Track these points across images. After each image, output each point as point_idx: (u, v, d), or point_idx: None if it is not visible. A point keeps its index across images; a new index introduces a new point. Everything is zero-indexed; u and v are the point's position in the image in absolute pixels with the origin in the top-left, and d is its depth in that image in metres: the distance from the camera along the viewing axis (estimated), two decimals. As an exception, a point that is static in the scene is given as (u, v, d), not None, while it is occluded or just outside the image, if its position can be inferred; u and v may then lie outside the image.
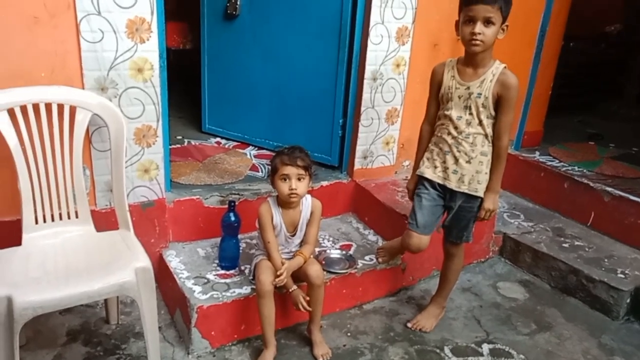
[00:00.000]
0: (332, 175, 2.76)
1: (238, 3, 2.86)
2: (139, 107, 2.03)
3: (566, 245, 2.68)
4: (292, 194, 1.87)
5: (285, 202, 1.94)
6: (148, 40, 1.97)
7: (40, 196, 1.76)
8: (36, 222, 1.77)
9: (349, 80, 2.63)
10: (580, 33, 4.49)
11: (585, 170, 3.07)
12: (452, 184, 1.94)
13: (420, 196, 2.01)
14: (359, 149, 2.70)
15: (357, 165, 2.73)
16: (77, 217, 1.84)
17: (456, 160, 1.91)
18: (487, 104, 1.83)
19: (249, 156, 2.95)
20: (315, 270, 1.92)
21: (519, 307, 2.39)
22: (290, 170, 1.86)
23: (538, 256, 2.63)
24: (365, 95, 2.60)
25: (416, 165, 2.08)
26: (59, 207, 1.81)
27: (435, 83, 1.96)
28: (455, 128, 1.89)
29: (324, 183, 2.65)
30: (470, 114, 1.86)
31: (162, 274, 2.19)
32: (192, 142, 3.11)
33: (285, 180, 1.87)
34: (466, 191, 1.93)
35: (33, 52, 1.79)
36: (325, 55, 2.66)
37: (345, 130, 2.72)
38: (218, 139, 3.19)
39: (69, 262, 1.68)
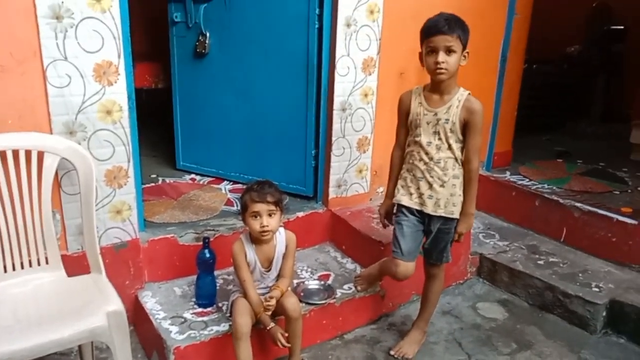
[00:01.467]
0: (308, 206, 2.77)
1: (207, 42, 2.92)
2: (108, 149, 2.04)
3: (541, 262, 2.72)
4: (263, 231, 1.87)
5: (258, 239, 1.94)
6: (116, 82, 1.99)
7: (9, 244, 1.73)
8: (5, 271, 1.74)
9: (319, 111, 2.68)
10: (542, 55, 4.67)
11: (555, 188, 3.15)
12: (429, 209, 1.96)
13: (401, 224, 2.02)
14: (333, 178, 2.74)
15: (332, 194, 2.76)
16: (47, 263, 1.82)
17: (430, 186, 1.95)
18: (454, 129, 1.89)
19: (224, 191, 2.96)
20: (292, 304, 1.91)
21: (499, 327, 2.40)
22: (260, 207, 1.86)
23: (515, 275, 2.66)
24: (336, 125, 2.65)
25: (388, 191, 2.12)
26: (29, 254, 1.78)
27: (403, 110, 2.02)
28: (426, 154, 1.93)
29: (300, 214, 2.66)
30: (440, 139, 1.91)
31: (138, 316, 2.15)
32: (167, 180, 3.10)
33: (256, 217, 1.87)
34: (443, 214, 1.96)
35: (1, 100, 1.79)
36: (295, 88, 2.71)
37: (318, 160, 2.76)
38: (193, 176, 3.19)
39: (40, 309, 1.65)
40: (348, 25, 2.53)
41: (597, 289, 2.45)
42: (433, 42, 1.81)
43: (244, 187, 1.98)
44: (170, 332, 1.93)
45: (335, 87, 2.59)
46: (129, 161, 2.10)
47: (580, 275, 2.58)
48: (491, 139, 3.43)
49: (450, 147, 1.91)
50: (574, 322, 2.41)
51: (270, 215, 1.87)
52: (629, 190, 3.17)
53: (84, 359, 1.95)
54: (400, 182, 2.05)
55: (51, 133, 1.89)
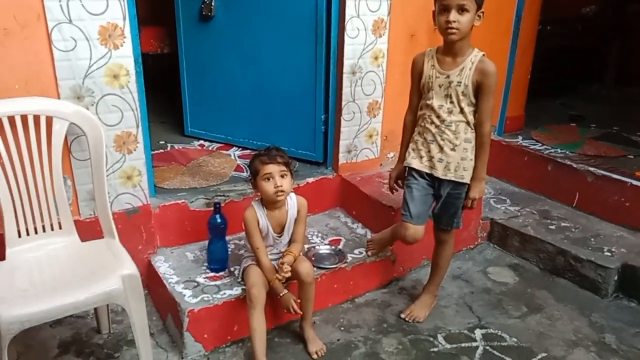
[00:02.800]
0: (318, 172, 2.76)
1: (212, 4, 2.85)
2: (117, 114, 2.02)
3: (553, 227, 2.70)
4: (278, 191, 1.85)
5: (270, 203, 1.92)
6: (122, 46, 1.95)
7: (22, 209, 1.74)
8: (19, 236, 1.75)
9: (328, 75, 2.63)
10: (557, 16, 4.53)
11: (567, 152, 3.10)
12: (439, 173, 1.95)
13: (410, 187, 2.02)
14: (343, 144, 2.71)
15: (342, 160, 2.74)
16: (60, 228, 1.83)
17: (441, 149, 1.92)
18: (467, 92, 1.84)
19: (233, 157, 2.94)
20: (305, 268, 1.92)
21: (510, 291, 2.41)
22: (272, 168, 1.85)
23: (526, 240, 2.65)
24: (346, 89, 2.60)
25: (401, 155, 2.10)
26: (42, 219, 1.79)
27: (416, 73, 1.98)
28: (438, 117, 1.90)
29: (310, 179, 2.65)
30: (451, 102, 1.87)
31: (152, 280, 2.18)
32: (175, 146, 3.09)
33: (268, 179, 1.86)
34: (453, 178, 1.94)
35: (5, 65, 1.76)
36: (303, 52, 2.66)
37: (327, 125, 2.72)
38: (201, 142, 3.17)
39: (55, 273, 1.67)
40: (358, -15, 2.46)
41: (609, 254, 2.44)
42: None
43: (253, 153, 1.96)
44: (184, 295, 1.95)
45: (345, 50, 2.53)
46: (137, 126, 2.08)
47: (592, 239, 2.57)
48: (503, 103, 3.37)
49: (462, 111, 1.87)
50: (585, 286, 2.41)
51: (282, 176, 1.86)
52: (644, 154, 3.13)
53: (100, 320, 2.00)
54: (411, 146, 2.03)
55: (59, 98, 1.87)
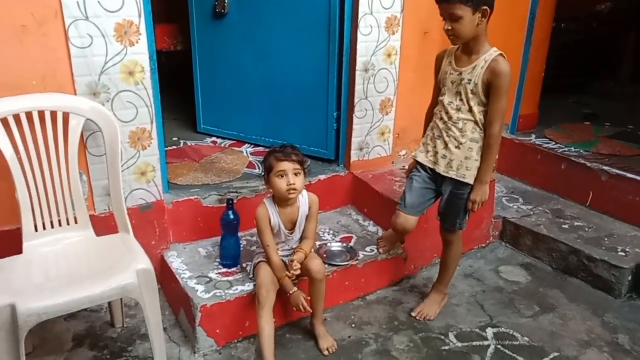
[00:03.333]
0: (330, 169, 2.76)
1: (226, 1, 2.86)
2: (132, 110, 2.04)
3: (566, 226, 2.68)
4: (290, 189, 1.86)
5: (282, 200, 1.93)
6: (137, 43, 1.97)
7: (38, 204, 1.77)
8: (36, 230, 1.78)
9: (341, 72, 2.63)
10: (571, 13, 4.49)
11: (582, 151, 3.08)
12: (441, 169, 1.96)
13: (412, 178, 2.06)
14: (355, 141, 2.71)
15: (354, 157, 2.74)
16: (76, 223, 1.85)
17: (446, 145, 1.93)
18: (476, 91, 1.83)
19: (245, 154, 2.95)
20: (316, 265, 1.93)
21: (522, 290, 2.40)
22: (286, 166, 1.85)
23: (538, 239, 2.64)
24: (358, 87, 2.60)
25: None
26: (58, 214, 1.82)
27: (437, 69, 2.00)
28: (447, 113, 1.91)
29: (322, 177, 2.65)
30: (461, 100, 1.87)
31: (165, 276, 2.20)
32: (188, 143, 3.11)
33: (282, 177, 1.86)
34: (454, 177, 1.93)
35: (23, 61, 1.79)
36: (316, 49, 2.66)
37: (340, 123, 2.73)
38: (214, 139, 3.19)
39: (71, 267, 1.69)
40: (371, -18, 2.45)
41: (623, 254, 2.42)
42: (439, 10, 1.79)
43: (266, 150, 1.97)
44: (197, 291, 1.97)
45: (358, 47, 2.53)
46: (152, 123, 2.10)
47: (606, 239, 2.55)
48: (517, 101, 3.35)
49: (471, 110, 1.86)
50: (598, 286, 2.39)
51: (296, 174, 1.87)
52: (659, 154, 3.09)
53: (114, 315, 2.03)
54: (423, 139, 2.06)
55: (75, 94, 1.90)
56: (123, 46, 1.95)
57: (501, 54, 1.83)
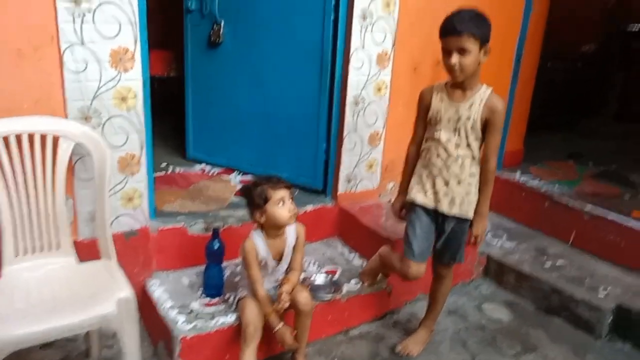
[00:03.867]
0: (317, 200, 2.77)
1: (221, 31, 2.90)
2: (122, 135, 2.04)
3: (548, 265, 2.71)
4: (292, 215, 1.88)
5: (273, 230, 1.92)
6: (132, 69, 1.99)
7: (21, 227, 1.74)
8: (17, 255, 1.75)
9: (331, 104, 2.67)
10: (557, 52, 4.62)
11: (565, 189, 3.13)
12: (444, 208, 1.93)
13: (413, 223, 1.99)
14: (343, 173, 2.73)
15: (341, 189, 2.75)
16: (59, 248, 1.83)
17: (446, 183, 1.91)
18: (475, 127, 1.86)
19: (233, 182, 2.96)
20: (304, 297, 1.92)
21: (504, 329, 2.40)
22: (284, 192, 1.87)
23: (521, 277, 2.65)
24: (348, 119, 2.64)
25: (402, 186, 2.08)
26: (41, 239, 1.79)
27: (424, 106, 1.97)
28: (445, 150, 1.90)
29: (309, 207, 2.66)
30: (459, 136, 1.88)
31: (145, 304, 2.16)
32: (177, 170, 3.11)
33: (282, 204, 1.86)
34: (457, 214, 1.93)
35: (17, 85, 1.79)
36: (308, 81, 2.70)
37: (329, 154, 2.75)
38: (203, 166, 3.19)
39: (51, 294, 1.66)
40: (364, 18, 2.51)
41: (603, 294, 2.44)
42: (446, 43, 1.78)
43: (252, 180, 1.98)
44: (177, 321, 1.94)
45: (349, 80, 2.57)
46: (142, 149, 2.10)
47: (587, 279, 2.57)
48: (503, 137, 3.40)
49: (469, 145, 1.88)
50: (579, 326, 2.41)
51: (291, 200, 1.89)
52: (640, 195, 3.15)
53: (90, 345, 1.98)
54: (414, 179, 2.01)
55: (66, 118, 1.90)
56: (117, 72, 1.96)
57: (492, 90, 1.87)
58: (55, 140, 1.79)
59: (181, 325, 1.92)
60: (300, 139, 2.80)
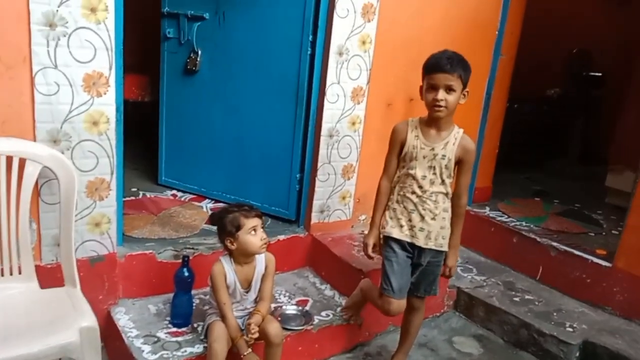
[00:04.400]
0: (289, 229, 2.76)
1: (198, 59, 2.93)
2: (92, 160, 2.01)
3: (517, 299, 2.74)
4: (263, 244, 1.89)
5: (242, 258, 1.92)
6: (105, 94, 1.98)
7: (-19, 251, 1.68)
8: (-25, 279, 1.68)
9: (306, 136, 2.70)
10: (524, 95, 4.81)
11: (532, 226, 3.20)
12: (420, 242, 1.95)
13: (390, 260, 1.98)
14: (316, 203, 2.74)
15: (314, 219, 2.76)
16: (20, 273, 1.77)
17: (422, 218, 1.94)
18: (449, 166, 1.91)
19: (205, 209, 2.93)
20: (274, 328, 1.89)
21: (474, 363, 2.41)
22: (256, 221, 1.89)
23: (491, 310, 2.67)
24: (322, 151, 2.66)
25: (375, 221, 2.06)
26: (1, 263, 1.73)
27: (398, 141, 1.98)
28: (420, 187, 1.92)
29: (281, 237, 2.65)
30: (434, 173, 1.92)
31: (110, 333, 2.09)
32: (147, 195, 3.06)
33: (254, 232, 1.87)
34: (433, 247, 1.96)
35: (-15, 103, 1.76)
36: (284, 112, 2.73)
37: (302, 184, 2.76)
38: (174, 192, 3.16)
39: (9, 321, 1.59)
40: (340, 54, 2.58)
41: (571, 329, 2.47)
42: (434, 79, 1.82)
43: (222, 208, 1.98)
44: (143, 351, 1.88)
45: (324, 114, 2.62)
46: (112, 174, 2.06)
47: (554, 314, 2.61)
48: (473, 174, 3.48)
49: (443, 182, 1.93)
50: (547, 360, 2.43)
51: (263, 229, 1.90)
52: (604, 233, 3.24)
53: (49, 375, 1.88)
54: (388, 214, 2.01)
55: (34, 140, 1.86)
56: (90, 96, 1.95)
57: (463, 131, 1.94)
58: (22, 163, 1.75)
59: (146, 354, 1.87)
60: (274, 169, 2.81)
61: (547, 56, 5.30)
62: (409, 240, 1.96)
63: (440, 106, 1.82)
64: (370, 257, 2.08)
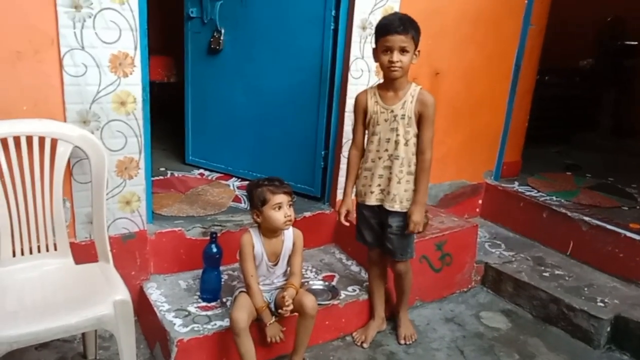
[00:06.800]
0: (315, 206, 2.77)
1: (221, 38, 2.93)
2: (121, 139, 2.05)
3: (546, 274, 2.70)
4: (287, 221, 1.90)
5: (270, 232, 1.94)
6: (131, 74, 2.00)
7: (18, 229, 1.74)
8: (14, 255, 1.75)
9: (330, 112, 2.68)
10: (555, 67, 4.66)
11: (563, 200, 3.13)
12: (387, 205, 2.02)
13: (362, 222, 2.14)
14: (341, 180, 2.72)
15: (340, 196, 2.74)
16: (55, 249, 1.83)
17: (389, 181, 2.01)
18: (410, 123, 1.96)
19: (231, 187, 2.96)
20: (310, 301, 1.92)
21: (502, 337, 2.39)
22: (282, 198, 1.89)
23: (519, 285, 2.65)
24: (347, 127, 2.64)
25: (348, 190, 2.15)
26: (38, 240, 1.79)
27: (361, 110, 2.07)
28: (385, 150, 2.00)
29: (307, 214, 2.66)
30: (397, 134, 1.97)
31: (142, 307, 2.16)
32: (175, 174, 3.11)
33: (278, 209, 1.88)
34: (398, 209, 2.01)
35: (16, 87, 1.80)
36: (307, 88, 2.72)
37: (327, 161, 2.76)
38: (201, 171, 3.20)
39: (47, 295, 1.66)
40: (364, 28, 2.54)
41: (602, 304, 2.43)
42: (388, 41, 1.87)
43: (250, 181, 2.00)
44: (174, 324, 1.93)
45: (348, 89, 2.59)
46: (140, 153, 2.10)
47: (585, 289, 2.57)
48: (501, 148, 3.42)
49: (407, 143, 1.97)
50: (577, 336, 2.40)
51: (289, 206, 1.91)
52: (638, 207, 3.15)
53: (87, 346, 1.97)
54: (359, 181, 2.11)
55: (65, 121, 1.91)
56: (117, 77, 1.98)
57: (421, 87, 1.98)
58: (54, 143, 1.79)
59: (178, 327, 1.92)
60: (299, 146, 2.81)
61: (579, 25, 5.11)
62: (378, 203, 2.05)
63: (396, 67, 1.88)
64: (346, 222, 2.19)
